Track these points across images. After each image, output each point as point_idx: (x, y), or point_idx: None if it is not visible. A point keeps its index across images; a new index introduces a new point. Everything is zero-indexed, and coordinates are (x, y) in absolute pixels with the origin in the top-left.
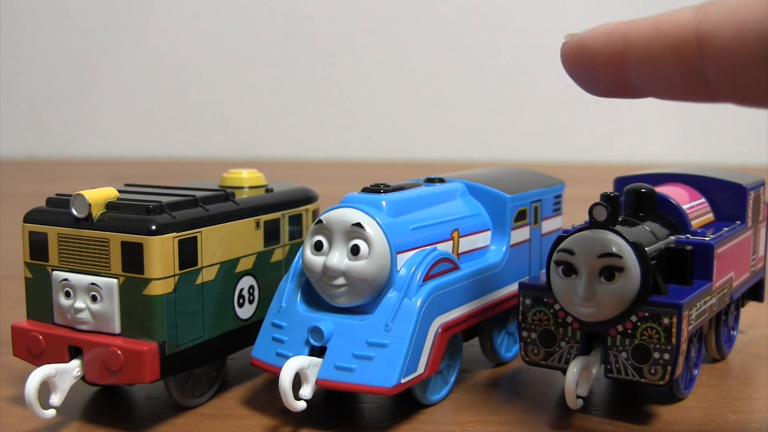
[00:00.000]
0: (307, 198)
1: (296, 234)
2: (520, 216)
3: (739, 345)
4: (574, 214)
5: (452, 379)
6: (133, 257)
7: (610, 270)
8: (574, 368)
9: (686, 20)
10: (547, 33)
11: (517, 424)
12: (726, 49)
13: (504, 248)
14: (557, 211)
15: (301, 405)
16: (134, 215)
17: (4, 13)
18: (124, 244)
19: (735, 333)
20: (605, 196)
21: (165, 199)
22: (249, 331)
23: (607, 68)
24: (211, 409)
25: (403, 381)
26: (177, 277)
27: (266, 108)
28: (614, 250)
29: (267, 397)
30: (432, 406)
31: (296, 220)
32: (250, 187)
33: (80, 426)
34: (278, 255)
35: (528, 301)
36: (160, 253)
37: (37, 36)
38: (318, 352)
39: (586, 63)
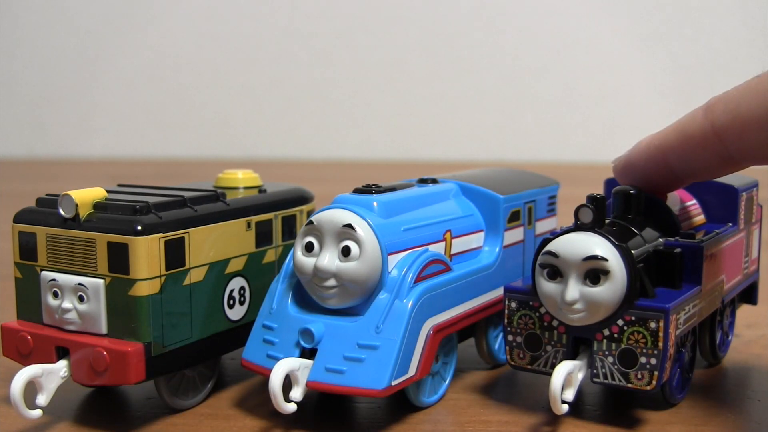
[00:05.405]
0: (301, 198)
1: (290, 235)
2: (514, 217)
3: (738, 345)
4: (571, 214)
5: (449, 378)
6: (119, 258)
7: (596, 273)
8: (559, 373)
9: (701, 123)
10: (547, 33)
11: (517, 424)
12: (739, 137)
13: (497, 249)
14: (551, 211)
15: (291, 407)
16: (120, 215)
17: (4, 13)
18: (110, 245)
19: (730, 338)
20: (591, 198)
21: (152, 200)
22: (239, 333)
23: (653, 174)
24: (210, 409)
25: (393, 383)
26: (163, 278)
27: (266, 108)
28: (599, 252)
29: (265, 398)
30: (431, 407)
31: (290, 221)
32: (245, 188)
33: (80, 426)
34: (270, 256)
35: (513, 305)
36: (146, 254)
37: (37, 36)
38: (309, 353)
39: (635, 174)
